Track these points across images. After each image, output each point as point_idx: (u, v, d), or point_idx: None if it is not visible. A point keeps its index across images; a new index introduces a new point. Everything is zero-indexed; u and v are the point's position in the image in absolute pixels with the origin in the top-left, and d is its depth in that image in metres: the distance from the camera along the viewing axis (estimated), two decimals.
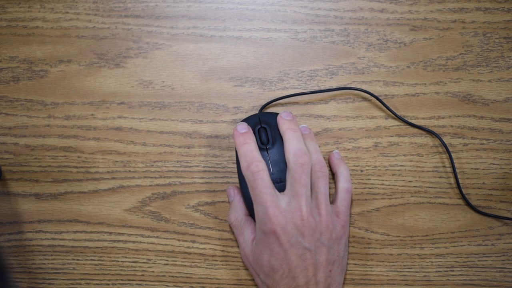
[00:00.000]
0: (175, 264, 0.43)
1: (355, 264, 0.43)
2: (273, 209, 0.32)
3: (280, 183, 0.37)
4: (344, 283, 0.42)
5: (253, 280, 0.42)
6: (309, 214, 0.32)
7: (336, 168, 0.40)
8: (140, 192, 0.43)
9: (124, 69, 0.44)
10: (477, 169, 0.43)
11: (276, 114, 0.41)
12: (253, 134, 0.37)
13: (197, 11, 0.44)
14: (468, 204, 0.43)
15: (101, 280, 0.43)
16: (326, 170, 0.36)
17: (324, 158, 0.42)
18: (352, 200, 0.43)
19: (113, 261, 0.43)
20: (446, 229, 0.43)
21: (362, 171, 0.43)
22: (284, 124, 0.37)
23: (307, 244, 0.32)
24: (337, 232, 0.35)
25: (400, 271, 0.43)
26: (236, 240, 0.42)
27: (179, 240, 0.43)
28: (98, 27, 0.44)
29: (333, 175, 0.42)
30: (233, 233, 0.43)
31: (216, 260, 0.43)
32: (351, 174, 0.43)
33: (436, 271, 0.43)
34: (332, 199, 0.41)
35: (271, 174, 0.38)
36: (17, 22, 0.44)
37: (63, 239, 0.43)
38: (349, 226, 0.43)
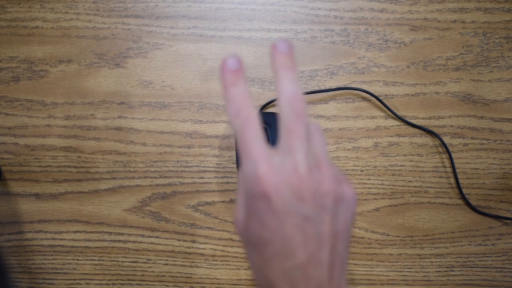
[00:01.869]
0: (175, 264, 0.43)
1: (355, 264, 0.43)
2: (265, 166, 0.25)
3: None
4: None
5: (253, 280, 0.42)
6: (308, 173, 0.26)
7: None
8: (140, 192, 0.43)
9: (124, 69, 0.44)
10: (477, 169, 0.43)
11: (277, 114, 0.41)
12: (244, 74, 0.28)
13: (197, 11, 0.44)
14: (468, 204, 0.43)
15: (101, 280, 0.43)
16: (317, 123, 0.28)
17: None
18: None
19: (113, 261, 0.43)
20: (446, 229, 0.43)
21: (362, 171, 0.43)
22: (277, 60, 0.27)
23: (306, 210, 0.25)
24: (345, 194, 0.27)
25: (400, 271, 0.43)
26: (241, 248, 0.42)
27: (179, 240, 0.43)
28: (98, 27, 0.44)
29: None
30: (233, 233, 0.43)
31: (216, 260, 0.43)
32: (350, 174, 0.43)
33: (436, 271, 0.43)
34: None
35: None
36: (17, 22, 0.44)
37: (63, 239, 0.43)
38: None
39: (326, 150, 0.28)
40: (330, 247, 0.26)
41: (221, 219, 0.43)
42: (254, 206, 0.26)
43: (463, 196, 0.43)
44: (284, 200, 0.25)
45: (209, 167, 0.43)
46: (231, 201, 0.43)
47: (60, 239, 0.43)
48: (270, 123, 0.40)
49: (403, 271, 0.43)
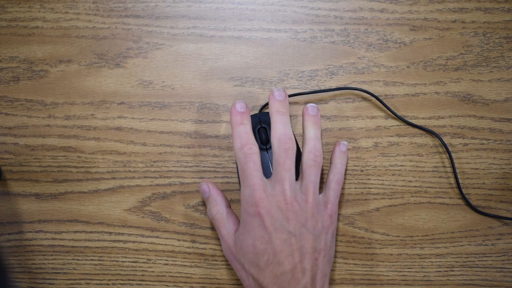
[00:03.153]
0: (175, 264, 0.43)
1: (355, 264, 0.43)
2: (260, 192, 0.32)
3: None
4: (343, 283, 0.42)
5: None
6: (293, 198, 0.32)
7: (333, 159, 0.39)
8: (140, 192, 0.43)
9: (124, 69, 0.44)
10: (477, 169, 0.43)
11: None
12: (249, 115, 0.37)
13: (197, 11, 0.44)
14: (468, 204, 0.43)
15: (101, 280, 0.43)
16: (320, 159, 0.35)
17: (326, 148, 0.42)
18: (352, 201, 0.43)
19: (113, 261, 0.43)
20: (446, 229, 0.43)
21: (362, 171, 0.43)
22: (273, 106, 0.36)
23: (291, 228, 0.32)
24: (324, 221, 0.34)
25: (400, 271, 0.43)
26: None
27: (179, 240, 0.43)
28: (98, 27, 0.44)
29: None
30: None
31: (216, 260, 0.43)
32: (350, 174, 0.43)
33: (436, 271, 0.43)
34: (322, 188, 0.40)
35: (271, 174, 0.38)
36: (17, 22, 0.44)
37: (63, 239, 0.43)
38: (338, 218, 0.43)
39: (317, 181, 0.35)
40: (313, 260, 0.32)
41: None
42: (250, 223, 0.33)
43: (463, 196, 0.43)
44: (273, 219, 0.32)
45: (209, 167, 0.43)
46: (231, 201, 0.43)
47: (60, 239, 0.43)
48: (269, 123, 0.40)
49: (403, 271, 0.43)
